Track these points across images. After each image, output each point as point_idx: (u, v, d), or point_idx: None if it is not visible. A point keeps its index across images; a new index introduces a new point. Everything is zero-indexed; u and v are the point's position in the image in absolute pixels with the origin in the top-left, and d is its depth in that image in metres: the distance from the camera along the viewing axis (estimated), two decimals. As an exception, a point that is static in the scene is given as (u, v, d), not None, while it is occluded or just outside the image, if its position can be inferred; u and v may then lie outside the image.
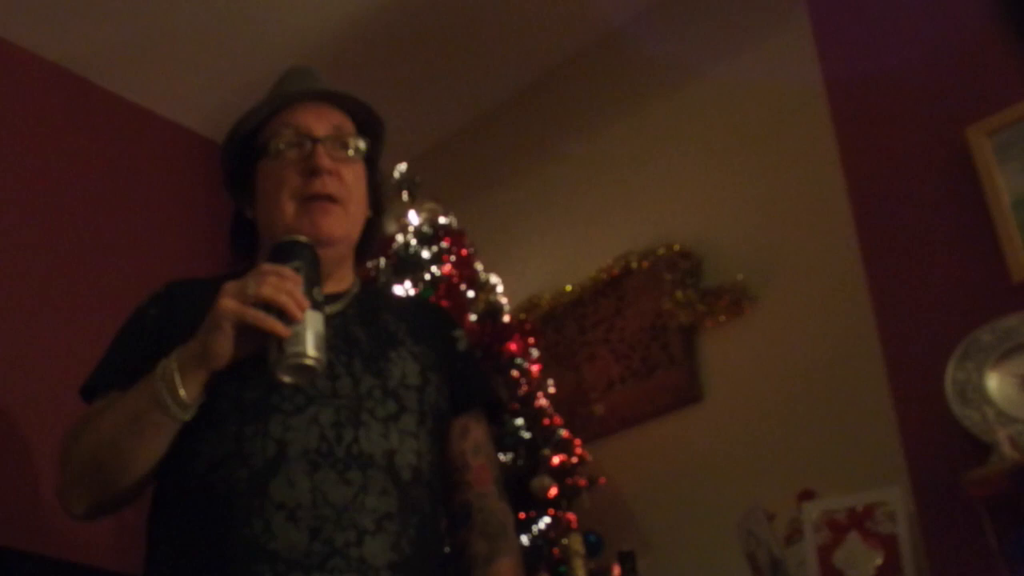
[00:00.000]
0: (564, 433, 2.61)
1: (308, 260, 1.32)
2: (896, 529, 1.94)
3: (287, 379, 1.26)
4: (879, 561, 1.93)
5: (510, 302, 2.85)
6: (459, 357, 1.58)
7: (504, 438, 2.53)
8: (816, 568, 1.97)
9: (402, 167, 2.93)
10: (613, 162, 3.16)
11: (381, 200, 1.62)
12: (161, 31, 3.05)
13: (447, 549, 1.50)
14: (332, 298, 1.45)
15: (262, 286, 1.25)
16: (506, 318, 2.73)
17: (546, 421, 2.61)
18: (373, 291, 1.65)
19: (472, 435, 1.54)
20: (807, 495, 2.15)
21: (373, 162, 1.59)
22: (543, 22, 3.20)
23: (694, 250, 2.86)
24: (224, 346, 1.26)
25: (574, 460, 2.59)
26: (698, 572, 2.57)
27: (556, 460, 2.54)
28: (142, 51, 3.11)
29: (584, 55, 3.33)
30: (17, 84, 2.98)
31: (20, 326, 2.71)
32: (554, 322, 3.07)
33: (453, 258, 2.76)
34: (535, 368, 2.71)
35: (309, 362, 1.24)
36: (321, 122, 1.50)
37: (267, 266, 1.30)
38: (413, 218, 2.84)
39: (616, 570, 2.45)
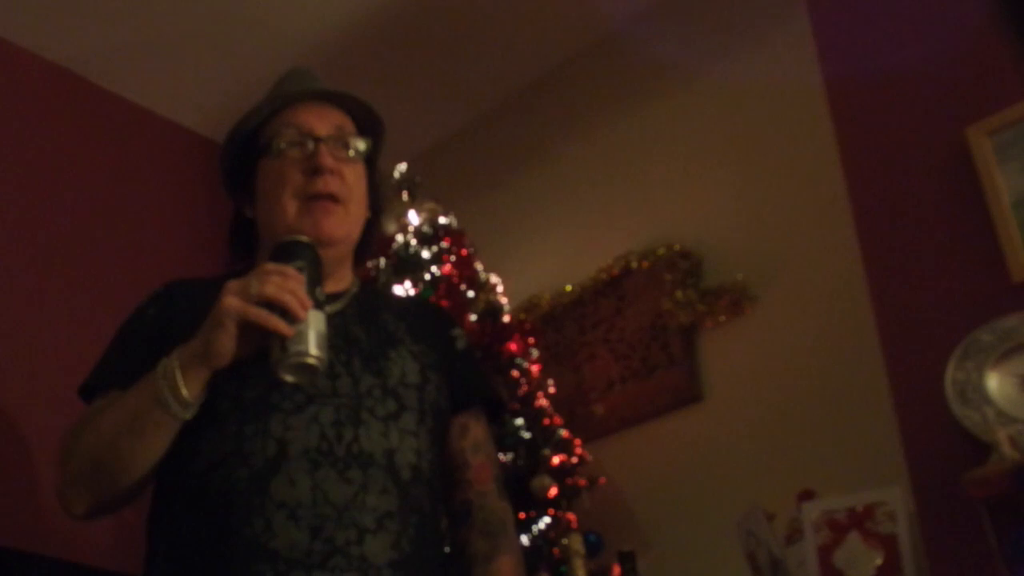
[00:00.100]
0: (564, 433, 2.61)
1: (310, 260, 1.32)
2: (896, 529, 1.94)
3: (289, 378, 1.26)
4: (879, 561, 1.92)
5: (510, 302, 2.85)
6: (458, 356, 1.58)
7: (504, 438, 2.53)
8: (816, 568, 1.97)
9: (402, 167, 2.93)
10: (613, 162, 3.16)
11: (380, 201, 1.62)
12: (161, 31, 3.05)
13: (447, 548, 1.50)
14: (332, 297, 1.45)
15: (265, 285, 1.26)
16: (506, 318, 2.73)
17: (546, 421, 2.61)
18: (372, 291, 1.65)
19: (472, 433, 1.54)
20: (807, 495, 2.15)
21: (373, 162, 1.59)
22: (543, 22, 3.20)
23: (694, 250, 2.86)
24: (227, 344, 1.26)
25: (574, 460, 2.59)
26: (698, 572, 2.57)
27: (556, 460, 2.55)
28: (142, 51, 3.12)
29: (584, 56, 3.33)
30: (17, 84, 2.98)
31: (20, 326, 2.71)
32: (554, 322, 3.07)
33: (453, 258, 2.76)
34: (535, 368, 2.71)
35: (312, 361, 1.25)
36: (323, 122, 1.51)
37: (270, 265, 1.30)
38: (413, 218, 2.84)
39: (616, 570, 2.45)
